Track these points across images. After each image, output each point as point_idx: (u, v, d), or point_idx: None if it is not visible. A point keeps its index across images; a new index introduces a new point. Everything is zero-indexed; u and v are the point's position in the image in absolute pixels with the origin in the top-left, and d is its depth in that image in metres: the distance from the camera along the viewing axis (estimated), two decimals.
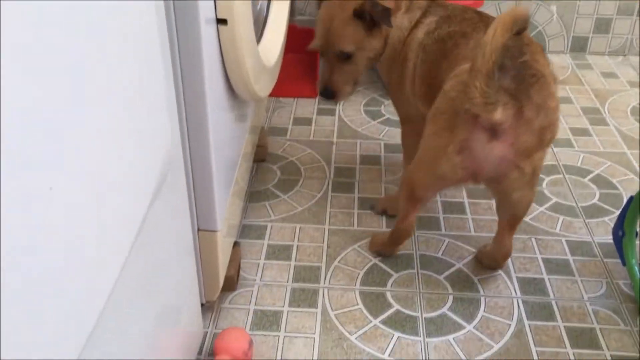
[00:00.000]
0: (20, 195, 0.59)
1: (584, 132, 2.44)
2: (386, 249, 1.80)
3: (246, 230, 1.93)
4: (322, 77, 1.76)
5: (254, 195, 2.09)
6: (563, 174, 2.20)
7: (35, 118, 0.62)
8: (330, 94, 1.74)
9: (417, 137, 1.55)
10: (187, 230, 1.34)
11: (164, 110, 1.04)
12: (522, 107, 1.31)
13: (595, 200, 2.07)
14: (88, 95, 0.74)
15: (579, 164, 2.25)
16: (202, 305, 1.55)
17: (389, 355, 1.52)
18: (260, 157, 2.24)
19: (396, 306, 1.66)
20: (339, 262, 1.81)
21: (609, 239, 1.87)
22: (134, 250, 0.94)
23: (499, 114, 1.29)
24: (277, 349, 1.54)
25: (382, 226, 1.95)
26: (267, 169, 2.23)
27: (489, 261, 1.77)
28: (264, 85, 1.58)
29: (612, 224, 1.90)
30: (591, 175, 2.19)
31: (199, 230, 1.45)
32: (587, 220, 1.97)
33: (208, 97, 1.27)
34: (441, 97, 1.45)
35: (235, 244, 1.73)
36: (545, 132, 1.38)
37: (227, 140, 1.51)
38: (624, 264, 1.70)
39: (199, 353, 1.52)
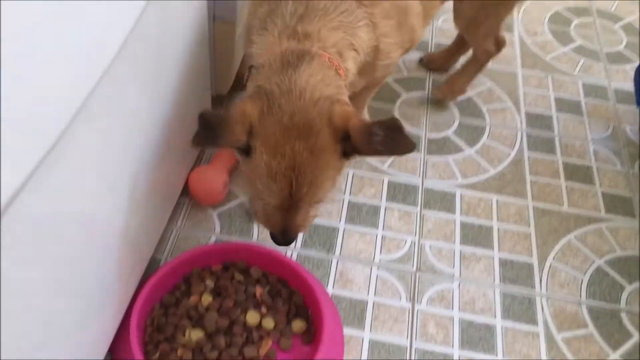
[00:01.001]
0: None
1: None
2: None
3: None
4: (270, 220, 1.06)
5: None
6: (594, 17, 2.12)
7: None
8: (291, 239, 1.08)
9: None
10: (203, 18, 1.33)
11: None
12: None
13: (620, 48, 2.01)
14: None
15: (612, 10, 2.16)
16: (212, 98, 1.57)
17: (388, 166, 1.57)
18: None
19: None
20: None
21: (626, 85, 1.85)
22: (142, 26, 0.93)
23: None
24: None
25: None
26: None
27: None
28: None
29: (632, 73, 1.87)
30: (622, 23, 2.11)
31: (214, 19, 1.43)
32: (607, 66, 1.93)
33: None
34: None
35: None
36: None
37: None
38: (638, 104, 1.69)
39: None
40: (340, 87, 1.00)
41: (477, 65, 1.67)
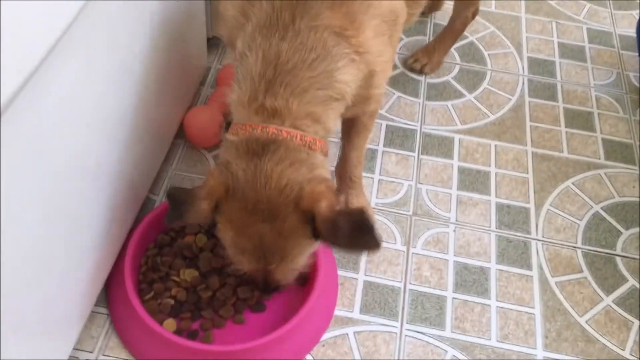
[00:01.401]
0: None
1: None
2: None
3: None
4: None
5: None
6: None
7: None
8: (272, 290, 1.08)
9: None
10: None
11: None
12: None
13: None
14: None
15: None
16: (208, 40, 1.55)
17: (386, 111, 1.55)
18: None
19: (401, 69, 1.66)
20: None
21: (631, 32, 1.81)
22: None
23: None
24: None
25: None
26: None
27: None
28: None
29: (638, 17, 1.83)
30: None
31: None
32: (614, 12, 1.89)
33: None
34: None
35: None
36: None
37: None
38: None
39: (202, 84, 1.55)
40: (314, 165, 0.95)
41: (453, 34, 1.64)
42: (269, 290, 1.06)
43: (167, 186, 1.34)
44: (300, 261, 0.98)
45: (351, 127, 1.20)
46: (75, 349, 1.07)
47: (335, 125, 1.01)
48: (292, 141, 0.93)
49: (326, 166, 1.00)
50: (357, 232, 0.87)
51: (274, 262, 0.95)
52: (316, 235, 0.92)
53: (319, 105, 0.96)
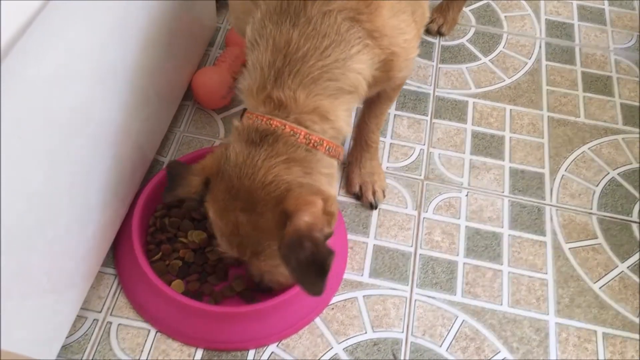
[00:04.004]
0: None
1: None
2: None
3: None
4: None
5: None
6: None
7: None
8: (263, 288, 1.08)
9: None
10: None
11: None
12: None
13: None
14: None
15: None
16: (216, 0, 1.51)
17: None
18: None
19: None
20: None
21: None
22: None
23: None
24: None
25: None
26: None
27: None
28: None
29: None
30: None
31: None
32: None
33: None
34: None
35: None
36: None
37: None
38: None
39: (210, 45, 1.52)
40: (312, 168, 0.90)
41: None
42: (258, 286, 1.06)
43: (176, 148, 1.33)
44: (273, 264, 0.93)
45: (373, 95, 1.14)
46: (83, 308, 1.07)
47: (349, 126, 0.95)
48: (293, 137, 0.88)
49: (332, 172, 0.93)
50: (312, 268, 0.81)
51: (246, 254, 0.93)
52: None
53: (329, 98, 0.90)
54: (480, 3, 1.69)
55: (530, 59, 1.58)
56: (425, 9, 1.06)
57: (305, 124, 0.89)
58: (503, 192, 1.32)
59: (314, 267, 0.81)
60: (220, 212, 0.91)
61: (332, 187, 0.94)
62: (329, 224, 0.87)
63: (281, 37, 0.88)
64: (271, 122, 0.88)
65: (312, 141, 0.89)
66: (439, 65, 1.55)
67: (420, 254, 1.21)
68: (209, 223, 1.14)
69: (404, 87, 1.48)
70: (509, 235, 1.25)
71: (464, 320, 1.13)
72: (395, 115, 1.43)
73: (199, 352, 1.07)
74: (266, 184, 0.87)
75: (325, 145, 0.90)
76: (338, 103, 0.91)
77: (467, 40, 1.61)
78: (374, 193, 1.26)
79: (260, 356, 1.07)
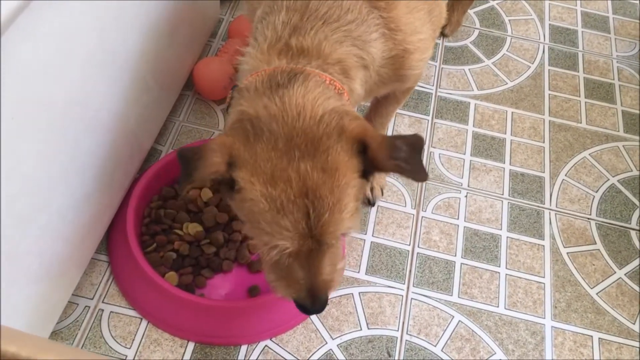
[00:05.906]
0: None
1: None
2: None
3: None
4: (288, 280, 0.84)
5: None
6: None
7: None
8: (322, 304, 0.85)
9: None
10: None
11: None
12: None
13: None
14: None
15: None
16: None
17: None
18: None
19: None
20: None
21: None
22: None
23: None
24: None
25: None
26: None
27: None
28: None
29: None
30: None
31: None
32: None
33: None
34: None
35: None
36: None
37: None
38: None
39: (212, 36, 1.50)
40: (344, 103, 0.82)
41: None
42: (319, 304, 0.83)
43: (174, 137, 1.31)
44: (352, 211, 0.77)
45: (381, 97, 1.11)
46: (74, 294, 1.05)
47: (361, 93, 0.90)
48: (321, 78, 0.81)
49: (354, 111, 0.84)
50: (414, 156, 0.75)
51: (325, 211, 0.74)
52: (364, 173, 0.78)
53: (351, 64, 0.85)
54: (485, 5, 1.69)
55: (533, 63, 1.58)
56: (443, 10, 1.03)
57: (329, 72, 0.83)
58: (502, 194, 1.31)
59: (417, 156, 0.75)
60: (273, 178, 0.74)
61: None
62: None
63: (297, 3, 0.84)
64: (295, 66, 0.81)
65: (338, 88, 0.82)
66: (442, 66, 1.54)
67: (417, 253, 1.20)
68: (207, 213, 1.12)
69: None
70: (507, 237, 1.24)
71: (459, 321, 1.12)
72: (396, 113, 1.42)
73: (191, 343, 1.05)
74: (320, 117, 0.76)
75: (346, 96, 0.84)
76: (358, 66, 0.87)
77: (470, 42, 1.61)
78: (372, 190, 1.25)
79: (254, 349, 1.05)
